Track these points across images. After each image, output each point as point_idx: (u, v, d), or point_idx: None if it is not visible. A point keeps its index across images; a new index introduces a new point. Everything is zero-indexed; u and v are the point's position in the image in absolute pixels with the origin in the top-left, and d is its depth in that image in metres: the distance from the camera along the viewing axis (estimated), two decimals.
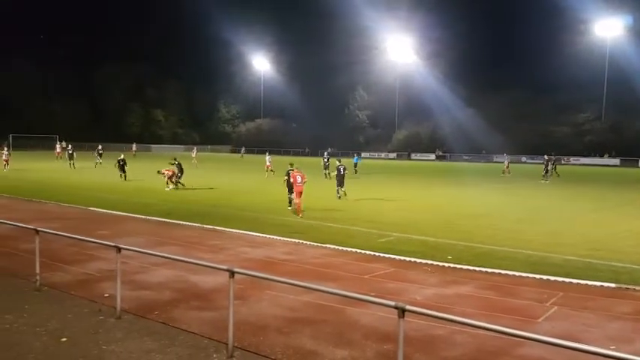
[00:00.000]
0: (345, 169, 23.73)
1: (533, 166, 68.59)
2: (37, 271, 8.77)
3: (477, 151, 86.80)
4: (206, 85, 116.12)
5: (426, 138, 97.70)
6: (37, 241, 8.73)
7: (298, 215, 17.49)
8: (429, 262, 11.34)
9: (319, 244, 13.05)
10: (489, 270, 10.67)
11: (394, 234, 14.77)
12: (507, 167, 47.92)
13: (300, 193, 17.84)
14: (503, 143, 76.81)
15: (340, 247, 12.68)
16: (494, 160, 77.66)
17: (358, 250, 12.39)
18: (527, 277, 10.27)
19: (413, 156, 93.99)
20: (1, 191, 23.41)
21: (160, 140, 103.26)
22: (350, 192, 23.69)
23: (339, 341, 6.79)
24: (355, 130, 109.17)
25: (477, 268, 10.80)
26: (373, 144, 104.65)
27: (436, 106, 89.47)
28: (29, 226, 9.23)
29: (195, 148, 58.50)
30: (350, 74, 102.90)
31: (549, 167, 39.70)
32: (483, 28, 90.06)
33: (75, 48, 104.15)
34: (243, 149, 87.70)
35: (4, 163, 34.24)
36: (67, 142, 49.07)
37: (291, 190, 18.93)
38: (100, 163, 42.34)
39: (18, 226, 10.25)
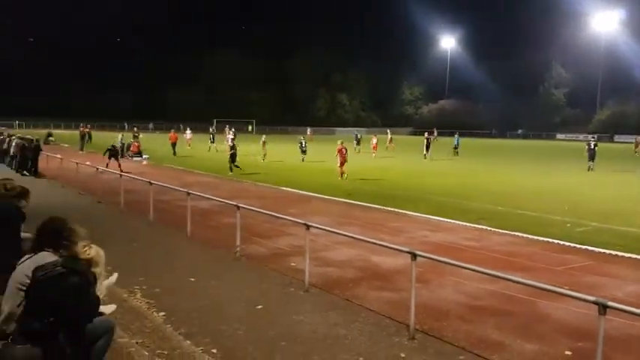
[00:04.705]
0: (595, 145, 29.42)
1: None
2: (238, 243, 9.69)
3: None
4: (390, 66, 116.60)
5: (633, 117, 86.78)
6: (237, 216, 9.62)
7: (342, 178, 22.84)
8: (634, 256, 10.09)
9: (506, 231, 12.37)
10: None
11: (592, 224, 13.41)
12: (638, 146, 45.84)
13: (344, 162, 23.30)
14: None
15: (529, 236, 11.88)
16: None
17: (550, 240, 11.47)
18: None
19: (617, 138, 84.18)
20: (208, 169, 26.36)
21: (344, 124, 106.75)
22: (544, 178, 22.24)
23: (527, 334, 6.39)
24: (549, 109, 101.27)
25: None
26: (570, 125, 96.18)
27: None
28: (231, 202, 10.22)
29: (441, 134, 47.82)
30: (545, 49, 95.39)
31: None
32: None
33: (269, 38, 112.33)
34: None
35: (263, 155, 34.34)
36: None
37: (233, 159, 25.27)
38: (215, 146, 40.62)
39: (222, 202, 11.50)
